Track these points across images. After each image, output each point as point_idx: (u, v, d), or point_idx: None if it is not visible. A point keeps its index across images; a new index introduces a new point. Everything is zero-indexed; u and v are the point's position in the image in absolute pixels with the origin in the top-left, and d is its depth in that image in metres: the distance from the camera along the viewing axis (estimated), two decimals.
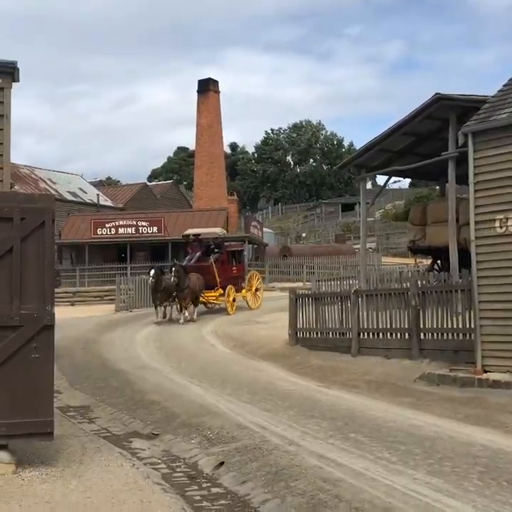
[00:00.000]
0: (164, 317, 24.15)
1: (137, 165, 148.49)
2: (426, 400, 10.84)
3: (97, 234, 41.47)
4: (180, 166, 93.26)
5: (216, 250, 26.40)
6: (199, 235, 27.23)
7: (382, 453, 7.68)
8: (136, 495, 6.52)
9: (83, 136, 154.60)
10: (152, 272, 23.72)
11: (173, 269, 23.52)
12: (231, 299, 25.53)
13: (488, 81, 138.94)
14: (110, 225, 41.76)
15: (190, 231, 29.21)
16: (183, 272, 23.74)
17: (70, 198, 50.86)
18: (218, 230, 28.69)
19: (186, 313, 23.76)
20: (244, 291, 26.79)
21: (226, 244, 28.16)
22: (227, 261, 26.72)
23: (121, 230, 41.45)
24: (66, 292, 35.36)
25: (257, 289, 27.75)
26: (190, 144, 69.57)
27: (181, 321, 23.28)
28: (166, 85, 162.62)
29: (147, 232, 40.96)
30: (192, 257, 25.82)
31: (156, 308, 24.33)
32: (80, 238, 41.89)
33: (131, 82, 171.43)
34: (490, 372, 11.54)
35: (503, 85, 12.53)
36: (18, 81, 9.81)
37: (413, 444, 7.99)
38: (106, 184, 73.41)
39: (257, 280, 28.11)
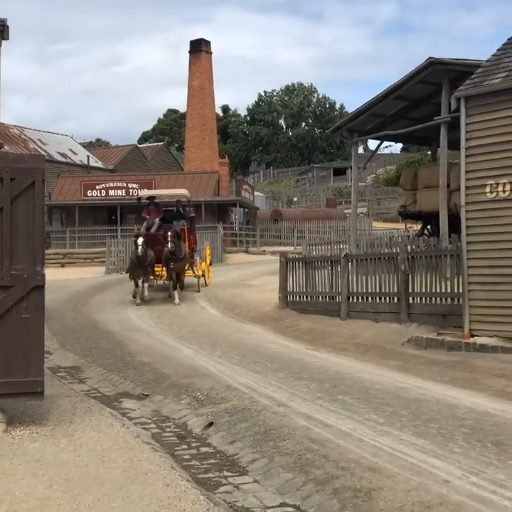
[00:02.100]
0: (142, 298, 19.69)
1: (127, 126, 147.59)
2: (413, 363, 10.96)
3: (88, 196, 41.31)
4: (171, 127, 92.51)
5: (183, 214, 22.37)
6: (154, 197, 22.49)
7: (369, 414, 7.78)
8: (126, 454, 6.60)
9: (72, 96, 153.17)
10: (140, 240, 19.36)
11: (169, 233, 19.59)
12: (201, 271, 22.26)
13: (482, 44, 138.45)
14: (101, 186, 41.58)
15: (146, 192, 25.80)
16: (178, 238, 20.21)
17: (60, 159, 50.56)
18: (184, 192, 24.39)
19: (181, 291, 20.31)
20: (203, 264, 23.09)
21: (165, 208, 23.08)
22: (191, 229, 22.88)
23: (111, 192, 41.30)
24: (56, 254, 35.36)
25: (210, 263, 24.61)
26: (182, 105, 69.14)
27: (176, 301, 19.29)
28: (156, 44, 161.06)
29: (138, 194, 40.69)
30: (150, 224, 21.05)
31: (137, 285, 19.87)
32: (70, 200, 41.72)
33: (120, 40, 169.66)
34: (477, 336, 11.66)
35: (497, 50, 12.46)
36: (7, 39, 9.67)
37: (400, 406, 8.09)
38: (96, 145, 72.85)
39: (209, 253, 25.00)
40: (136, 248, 19.45)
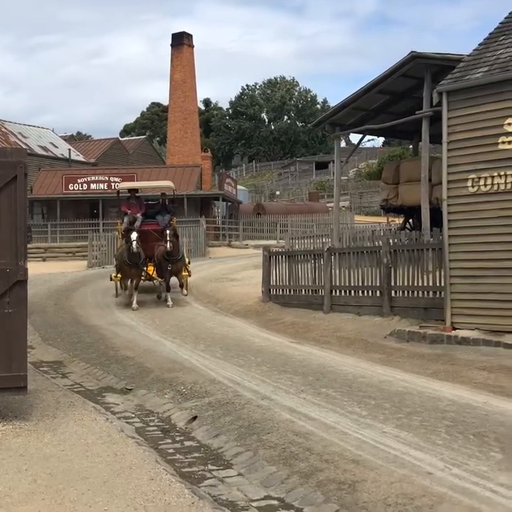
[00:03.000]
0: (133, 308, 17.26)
1: (109, 119, 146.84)
2: (396, 356, 11.03)
3: (69, 189, 41.06)
4: (153, 121, 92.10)
5: (169, 208, 20.00)
6: (136, 190, 20.42)
7: (352, 407, 7.82)
8: (110, 448, 6.60)
9: (53, 89, 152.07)
10: (134, 235, 17.29)
11: (168, 232, 17.58)
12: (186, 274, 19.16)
13: (463, 37, 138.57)
14: (82, 180, 41.34)
15: (126, 185, 23.33)
16: (176, 237, 18.47)
17: (41, 152, 50.13)
18: (169, 184, 22.17)
19: (185, 291, 18.48)
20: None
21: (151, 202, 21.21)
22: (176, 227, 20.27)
23: (93, 186, 41.07)
24: (38, 248, 35.13)
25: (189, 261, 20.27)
26: (164, 98, 68.91)
27: (170, 303, 17.60)
28: (137, 37, 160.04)
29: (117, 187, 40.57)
30: (131, 219, 18.82)
31: (125, 288, 18.48)
32: (52, 193, 41.44)
33: (102, 33, 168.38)
34: (459, 329, 11.75)
35: (479, 44, 12.51)
36: None
37: (383, 398, 8.15)
38: (77, 139, 72.41)
39: (187, 250, 21.77)
40: (130, 244, 17.17)
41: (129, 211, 19.25)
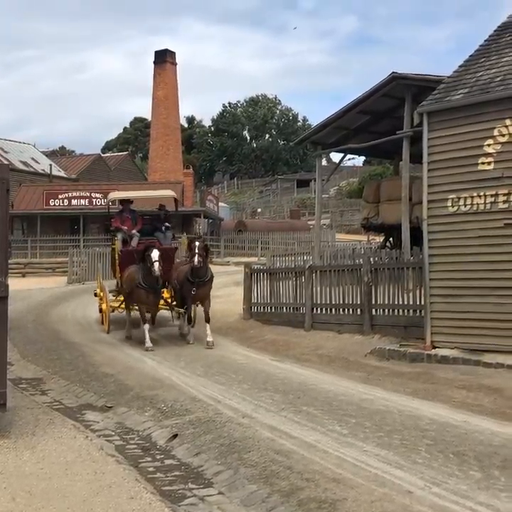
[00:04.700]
0: (147, 349, 13.75)
1: (91, 135, 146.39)
2: (376, 374, 11.06)
3: (50, 205, 40.95)
4: (135, 137, 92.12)
5: (166, 224, 17.22)
6: (130, 201, 17.25)
7: (333, 426, 7.83)
8: (89, 466, 6.55)
9: (34, 104, 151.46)
10: (156, 253, 14.03)
11: (197, 244, 14.30)
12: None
13: (442, 57, 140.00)
14: (63, 196, 41.27)
15: (118, 195, 19.83)
16: (206, 252, 14.77)
17: (22, 167, 49.97)
18: (170, 193, 18.91)
19: (208, 331, 14.16)
20: None
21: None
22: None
23: (74, 202, 41.00)
24: (17, 263, 34.90)
25: None
26: (146, 114, 68.98)
27: (191, 339, 14.47)
28: (118, 53, 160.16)
29: (101, 204, 40.45)
30: (124, 236, 16.48)
31: (144, 320, 14.33)
32: (32, 209, 41.28)
33: (82, 49, 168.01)
34: (439, 347, 11.81)
35: (459, 66, 12.69)
36: None
37: (363, 417, 8.16)
38: (59, 154, 72.21)
39: None
40: (151, 265, 13.89)
41: (125, 227, 16.57)
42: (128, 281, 14.87)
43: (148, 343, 13.78)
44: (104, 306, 16.67)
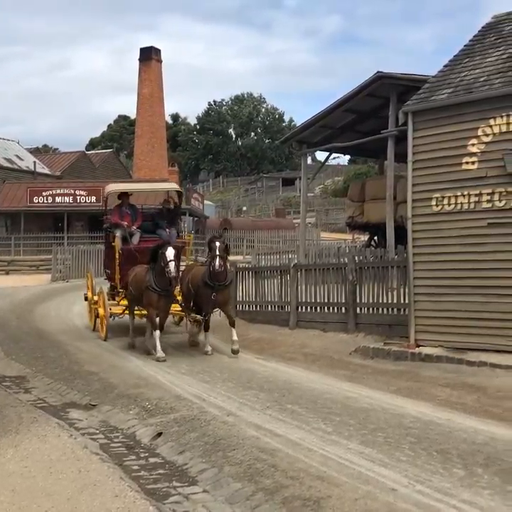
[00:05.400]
0: (158, 359, 12.37)
1: (75, 132, 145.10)
2: (361, 372, 11.10)
3: (34, 202, 40.70)
4: (120, 134, 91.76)
5: (171, 222, 15.84)
6: (129, 194, 16.10)
7: (317, 424, 7.85)
8: (74, 464, 6.53)
9: (17, 101, 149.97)
10: (171, 251, 12.55)
11: (218, 244, 12.75)
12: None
13: (426, 57, 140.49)
14: (47, 193, 41.02)
15: (117, 187, 17.84)
16: (227, 253, 13.32)
17: (6, 164, 49.57)
18: (173, 185, 17.98)
19: (235, 337, 12.86)
20: None
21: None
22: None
23: (58, 199, 40.77)
24: (1, 261, 34.74)
25: None
26: (131, 112, 68.82)
27: (209, 349, 13.08)
28: (102, 51, 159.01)
29: (85, 202, 40.37)
30: (124, 233, 15.18)
31: (156, 328, 12.68)
32: (16, 206, 41.01)
33: (66, 46, 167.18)
34: (422, 346, 11.87)
35: (444, 66, 12.75)
36: None
37: (348, 415, 8.19)
38: (43, 151, 71.80)
39: None
40: (166, 265, 12.44)
41: (124, 223, 15.31)
42: (135, 283, 13.44)
43: (160, 353, 12.36)
44: (101, 311, 15.00)
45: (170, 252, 12.44)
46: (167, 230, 15.45)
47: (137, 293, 13.35)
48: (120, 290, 15.05)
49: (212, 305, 13.12)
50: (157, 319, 12.75)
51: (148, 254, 13.32)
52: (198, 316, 13.41)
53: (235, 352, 12.61)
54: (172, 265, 12.39)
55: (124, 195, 15.88)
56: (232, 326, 12.95)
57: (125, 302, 14.69)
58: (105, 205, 16.15)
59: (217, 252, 12.66)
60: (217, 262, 12.57)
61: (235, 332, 12.83)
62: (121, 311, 14.81)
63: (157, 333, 12.58)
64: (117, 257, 14.96)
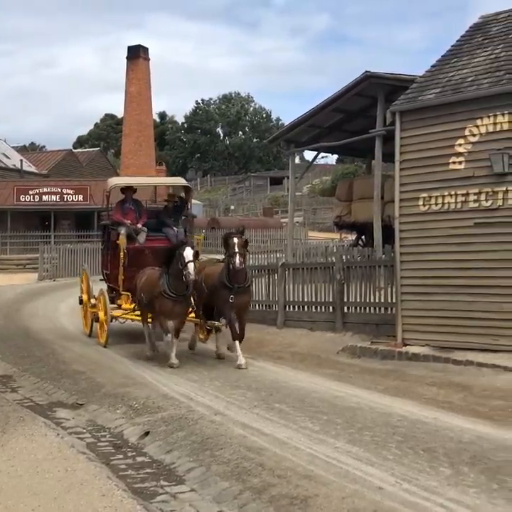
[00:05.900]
0: (171, 365, 11.47)
1: (62, 130, 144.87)
2: (348, 371, 11.12)
3: (20, 201, 40.53)
4: (107, 133, 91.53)
5: (178, 220, 14.79)
6: (134, 189, 15.08)
7: (305, 423, 7.86)
8: (60, 464, 6.50)
9: (2, 99, 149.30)
10: (189, 251, 11.29)
11: (236, 241, 11.45)
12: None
13: (416, 56, 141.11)
14: (34, 192, 40.86)
15: (120, 181, 17.26)
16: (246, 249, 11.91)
17: None
18: (180, 180, 17.31)
19: (239, 351, 11.62)
20: None
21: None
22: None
23: (45, 198, 40.63)
24: None
25: None
26: (118, 110, 68.67)
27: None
28: (89, 49, 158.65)
29: (72, 200, 40.27)
30: (128, 231, 14.08)
31: (166, 331, 11.73)
32: (2, 205, 40.81)
33: (53, 44, 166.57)
34: (409, 345, 11.92)
35: (432, 66, 12.81)
36: None
37: (335, 414, 8.20)
38: (30, 150, 71.49)
39: None
40: (184, 268, 11.20)
41: (128, 221, 14.26)
42: (147, 287, 12.22)
43: (174, 359, 11.47)
44: (101, 315, 13.95)
45: (188, 253, 11.21)
46: (174, 228, 14.45)
47: (149, 299, 12.12)
48: (122, 293, 13.99)
49: (232, 309, 11.64)
50: (170, 324, 11.67)
51: (156, 254, 12.71)
52: (217, 323, 12.30)
53: (241, 366, 11.31)
54: (191, 267, 11.16)
55: (127, 190, 14.83)
56: (238, 340, 11.60)
57: (128, 306, 13.84)
58: (107, 201, 14.74)
59: (237, 249, 11.34)
60: (237, 260, 11.24)
61: (240, 348, 11.52)
62: (120, 315, 13.89)
63: (169, 337, 11.62)
64: (122, 256, 13.80)
